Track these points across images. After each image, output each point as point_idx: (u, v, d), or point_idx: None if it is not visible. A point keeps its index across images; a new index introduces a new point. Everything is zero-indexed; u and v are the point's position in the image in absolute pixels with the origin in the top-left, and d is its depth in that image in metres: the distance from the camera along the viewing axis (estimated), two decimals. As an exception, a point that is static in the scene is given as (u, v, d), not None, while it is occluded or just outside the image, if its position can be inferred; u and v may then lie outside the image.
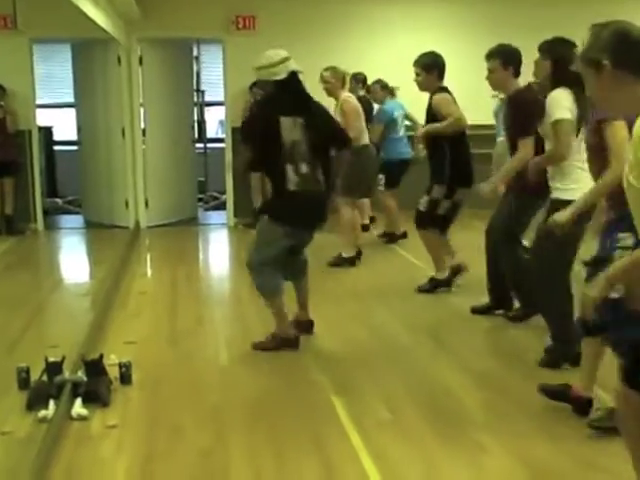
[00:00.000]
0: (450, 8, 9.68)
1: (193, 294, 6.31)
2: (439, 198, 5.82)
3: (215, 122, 13.02)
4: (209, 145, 11.93)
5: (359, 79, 8.16)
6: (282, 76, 4.45)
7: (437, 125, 5.66)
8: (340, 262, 6.93)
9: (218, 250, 9.16)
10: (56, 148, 11.16)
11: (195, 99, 11.45)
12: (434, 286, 6.06)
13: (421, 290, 6.06)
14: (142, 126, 9.43)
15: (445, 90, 5.78)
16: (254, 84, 9.11)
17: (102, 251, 8.35)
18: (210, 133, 12.66)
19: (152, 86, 9.46)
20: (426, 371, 4.41)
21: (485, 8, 9.60)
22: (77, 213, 10.34)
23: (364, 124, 7.07)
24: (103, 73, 9.30)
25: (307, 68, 4.81)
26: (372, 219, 8.62)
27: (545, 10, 9.32)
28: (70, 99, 10.28)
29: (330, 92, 6.86)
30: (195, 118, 11.26)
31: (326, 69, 6.87)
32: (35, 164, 9.31)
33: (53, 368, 3.91)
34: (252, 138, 4.60)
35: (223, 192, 10.23)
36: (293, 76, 4.51)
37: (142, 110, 9.41)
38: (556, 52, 4.24)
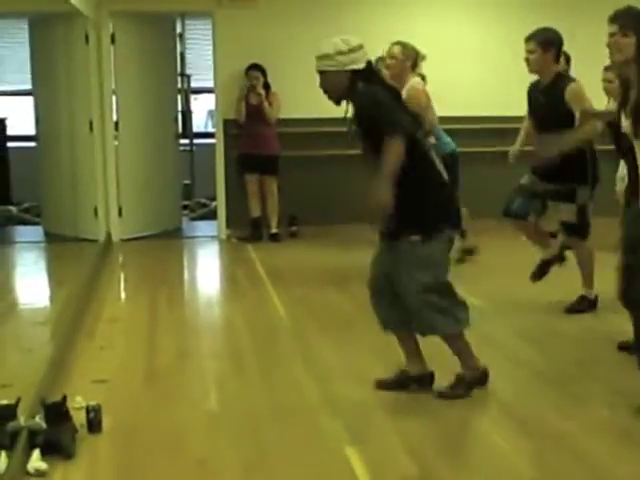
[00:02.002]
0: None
1: (176, 322, 6.31)
2: (586, 203, 6.04)
3: (203, 113, 13.07)
4: (196, 141, 11.98)
5: (387, 65, 8.15)
6: (362, 64, 4.46)
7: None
8: None
9: (206, 268, 9.18)
10: (10, 145, 11.23)
11: (179, 85, 11.50)
12: (586, 307, 6.25)
13: (570, 310, 6.21)
14: (114, 118, 9.48)
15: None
16: (252, 67, 9.19)
17: (65, 269, 8.36)
18: (197, 126, 12.70)
19: (127, 70, 9.50)
20: (459, 415, 4.40)
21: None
22: (35, 223, 10.38)
23: None
24: (67, 54, 9.35)
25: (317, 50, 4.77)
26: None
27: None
28: (27, 85, 10.33)
29: (396, 74, 6.94)
30: (179, 108, 11.31)
31: (395, 43, 7.02)
32: (-17, 164, 9.38)
33: (5, 413, 3.89)
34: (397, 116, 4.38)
35: (213, 198, 10.26)
36: (371, 66, 4.53)
37: (114, 99, 9.45)
38: None
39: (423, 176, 4.43)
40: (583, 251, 6.20)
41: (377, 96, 4.34)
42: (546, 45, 5.81)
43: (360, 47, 4.45)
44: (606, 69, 6.34)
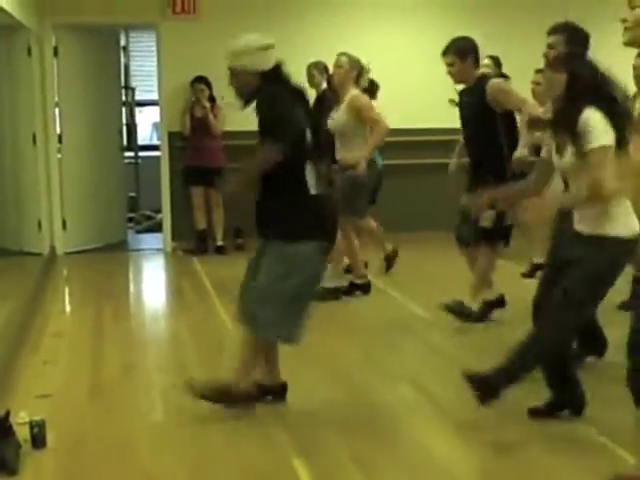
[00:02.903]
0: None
1: (121, 336, 6.27)
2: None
3: (148, 126, 13.02)
4: (141, 154, 11.95)
5: (321, 68, 8.15)
6: (270, 65, 4.46)
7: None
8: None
9: (152, 281, 9.13)
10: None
11: (123, 98, 11.45)
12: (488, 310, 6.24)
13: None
14: (58, 131, 9.41)
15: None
16: (197, 79, 9.18)
17: (8, 283, 8.23)
18: (142, 139, 12.66)
19: (70, 82, 9.44)
20: (407, 430, 4.42)
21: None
22: (-23, 237, 10.25)
23: None
24: (9, 66, 9.26)
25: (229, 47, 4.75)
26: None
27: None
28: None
29: (339, 82, 7.02)
30: (124, 121, 11.26)
31: (342, 53, 7.06)
32: None
33: (-54, 429, 3.86)
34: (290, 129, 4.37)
35: (158, 210, 10.22)
36: (279, 68, 4.51)
37: (57, 111, 9.39)
38: None
39: (294, 186, 4.42)
40: (485, 260, 6.14)
41: (275, 95, 4.35)
42: (462, 54, 5.94)
43: (269, 46, 4.46)
44: (537, 71, 6.50)
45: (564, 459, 3.93)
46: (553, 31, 5.17)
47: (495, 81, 5.98)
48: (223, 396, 4.50)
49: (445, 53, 5.99)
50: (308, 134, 4.46)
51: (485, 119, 5.87)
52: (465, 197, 6.05)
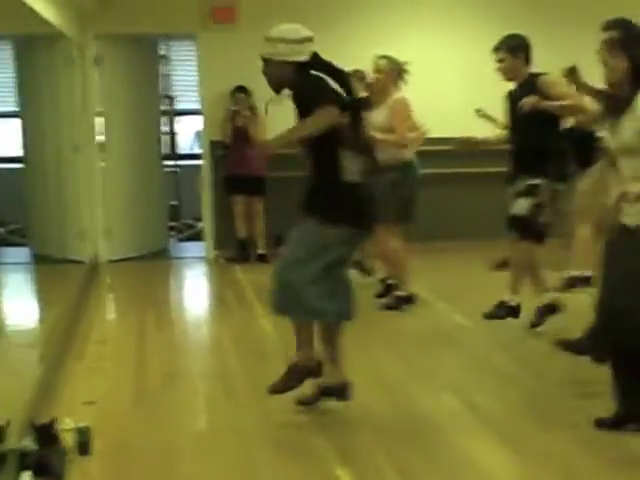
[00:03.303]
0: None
1: (163, 343, 6.30)
2: (542, 201, 5.90)
3: (189, 135, 13.08)
4: (182, 162, 11.99)
5: (360, 76, 8.16)
6: (303, 58, 4.44)
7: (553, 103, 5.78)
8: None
9: (194, 289, 9.16)
10: (-4, 166, 11.19)
11: (164, 107, 11.51)
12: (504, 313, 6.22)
13: (490, 316, 6.22)
14: (100, 140, 9.48)
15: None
16: (237, 89, 9.22)
17: (53, 291, 8.32)
18: (183, 148, 12.72)
19: (111, 91, 9.52)
20: (451, 440, 4.40)
21: None
22: (22, 245, 10.34)
23: None
24: (52, 76, 9.34)
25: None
26: None
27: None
28: (12, 107, 10.33)
29: (381, 88, 6.96)
30: (164, 130, 11.31)
31: (381, 57, 6.99)
32: (-30, 186, 9.36)
33: (-5, 435, 3.89)
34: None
35: (200, 219, 10.26)
36: (317, 58, 4.48)
37: (100, 121, 9.46)
38: None
39: (332, 169, 4.40)
40: (521, 253, 6.05)
41: (314, 78, 4.31)
42: (514, 51, 5.93)
43: (307, 39, 4.43)
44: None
45: (616, 475, 3.87)
46: (607, 27, 5.13)
47: (546, 75, 5.91)
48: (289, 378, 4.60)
49: (497, 49, 5.99)
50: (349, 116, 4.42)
51: (534, 116, 5.78)
52: (508, 189, 6.03)
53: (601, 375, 4.37)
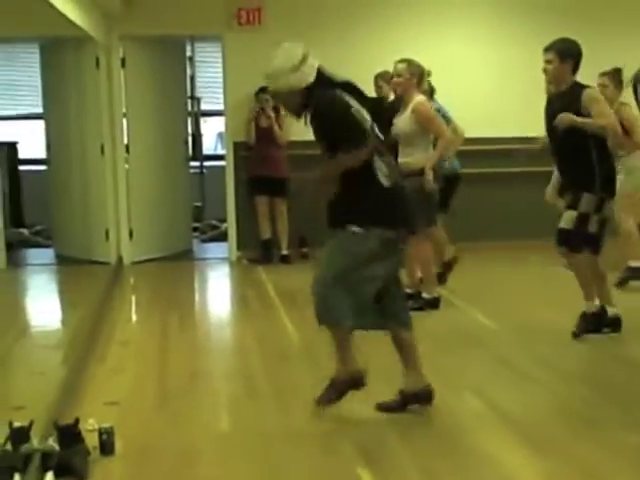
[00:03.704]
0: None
1: (187, 344, 6.31)
2: (589, 212, 5.84)
3: (213, 136, 13.11)
4: (206, 163, 12.02)
5: (387, 78, 8.12)
6: (310, 79, 4.44)
7: (588, 120, 5.75)
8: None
9: (218, 290, 9.18)
10: (21, 168, 11.27)
11: (189, 108, 11.54)
12: (589, 322, 6.04)
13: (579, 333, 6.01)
14: (125, 141, 9.52)
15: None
16: (262, 89, 9.22)
17: (77, 292, 8.38)
18: (207, 149, 12.74)
19: (137, 93, 9.55)
20: (474, 441, 4.38)
21: None
22: (47, 246, 10.41)
23: None
24: (78, 78, 9.40)
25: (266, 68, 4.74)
26: None
27: None
28: (38, 109, 10.40)
29: (402, 91, 6.93)
30: (189, 131, 11.35)
31: (400, 61, 6.94)
32: (-4, 187, 9.42)
33: (18, 435, 3.88)
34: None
35: (224, 220, 10.28)
36: (320, 73, 4.47)
37: (125, 122, 9.50)
38: None
39: (365, 179, 4.41)
40: (576, 262, 5.95)
41: (329, 101, 4.36)
42: (564, 56, 5.81)
43: (302, 61, 4.42)
44: (602, 75, 6.47)
45: (639, 476, 3.84)
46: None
47: (591, 89, 5.88)
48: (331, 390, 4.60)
49: (548, 49, 5.87)
50: (372, 127, 4.45)
51: (576, 129, 5.72)
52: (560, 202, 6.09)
53: (632, 381, 4.34)
